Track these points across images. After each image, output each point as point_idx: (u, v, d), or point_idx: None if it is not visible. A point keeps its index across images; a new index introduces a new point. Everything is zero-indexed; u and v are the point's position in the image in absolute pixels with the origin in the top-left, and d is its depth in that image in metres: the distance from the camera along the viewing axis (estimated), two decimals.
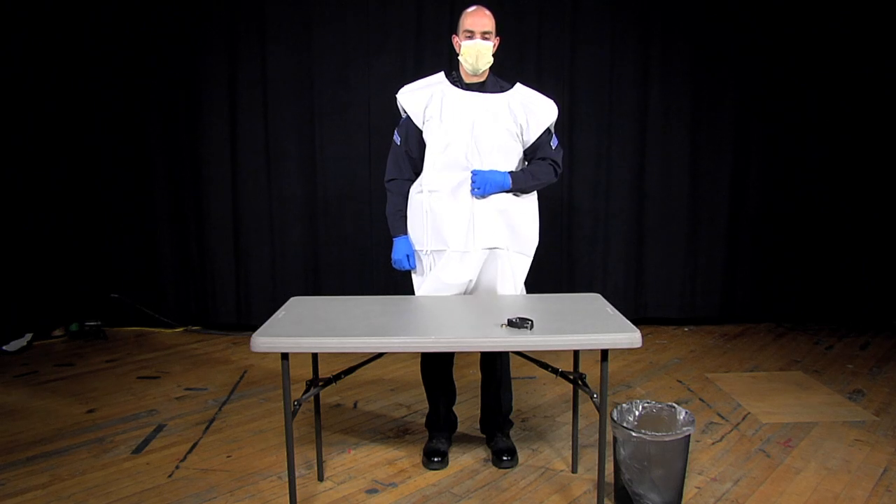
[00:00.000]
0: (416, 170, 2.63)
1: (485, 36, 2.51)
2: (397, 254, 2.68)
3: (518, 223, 2.59)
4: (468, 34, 2.51)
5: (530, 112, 2.58)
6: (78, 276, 4.73)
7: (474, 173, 2.51)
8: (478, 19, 2.51)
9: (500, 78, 2.65)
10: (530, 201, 2.65)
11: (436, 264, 2.59)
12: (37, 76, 4.43)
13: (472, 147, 2.53)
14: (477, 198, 2.52)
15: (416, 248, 2.65)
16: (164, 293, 4.79)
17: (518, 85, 2.64)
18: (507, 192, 2.56)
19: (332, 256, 4.71)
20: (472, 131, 2.52)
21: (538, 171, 2.60)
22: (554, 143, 2.65)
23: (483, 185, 2.50)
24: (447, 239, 2.55)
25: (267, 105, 4.57)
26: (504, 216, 2.57)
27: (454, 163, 2.53)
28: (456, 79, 2.61)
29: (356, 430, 3.05)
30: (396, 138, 2.67)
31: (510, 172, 2.55)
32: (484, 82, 2.59)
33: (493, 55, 2.55)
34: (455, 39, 2.57)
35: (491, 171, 2.52)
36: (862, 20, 4.58)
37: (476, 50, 2.50)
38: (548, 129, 2.63)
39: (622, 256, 4.79)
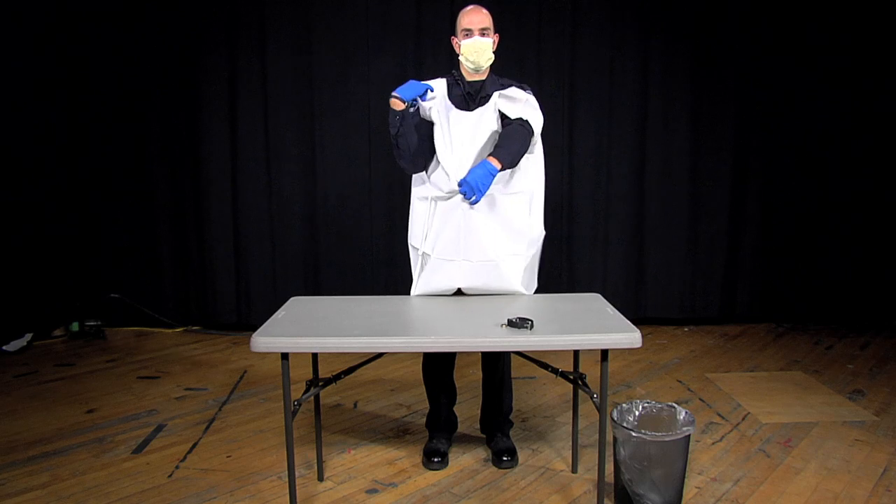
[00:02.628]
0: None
1: (483, 32, 2.50)
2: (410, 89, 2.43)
3: (507, 224, 2.53)
4: (466, 33, 2.51)
5: (508, 106, 2.47)
6: (78, 276, 4.74)
7: (461, 185, 2.38)
8: (475, 17, 2.51)
9: (499, 76, 2.64)
10: (518, 200, 2.55)
11: (425, 266, 2.58)
12: (36, 76, 4.43)
13: (458, 165, 2.45)
14: (473, 206, 2.43)
15: (415, 243, 2.62)
16: (164, 293, 4.79)
17: (512, 88, 2.53)
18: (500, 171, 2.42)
19: (332, 256, 4.71)
20: (460, 151, 2.47)
21: (511, 140, 2.43)
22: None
23: (475, 190, 2.35)
24: (435, 246, 2.54)
25: (267, 105, 4.57)
26: (495, 218, 2.51)
27: (443, 177, 2.50)
28: (457, 77, 2.60)
29: (356, 430, 3.05)
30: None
31: (490, 157, 2.39)
32: (483, 82, 2.58)
33: (494, 52, 2.54)
34: (454, 41, 2.57)
35: (473, 171, 2.37)
36: (862, 20, 4.58)
37: (476, 47, 2.50)
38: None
39: (622, 256, 4.79)
